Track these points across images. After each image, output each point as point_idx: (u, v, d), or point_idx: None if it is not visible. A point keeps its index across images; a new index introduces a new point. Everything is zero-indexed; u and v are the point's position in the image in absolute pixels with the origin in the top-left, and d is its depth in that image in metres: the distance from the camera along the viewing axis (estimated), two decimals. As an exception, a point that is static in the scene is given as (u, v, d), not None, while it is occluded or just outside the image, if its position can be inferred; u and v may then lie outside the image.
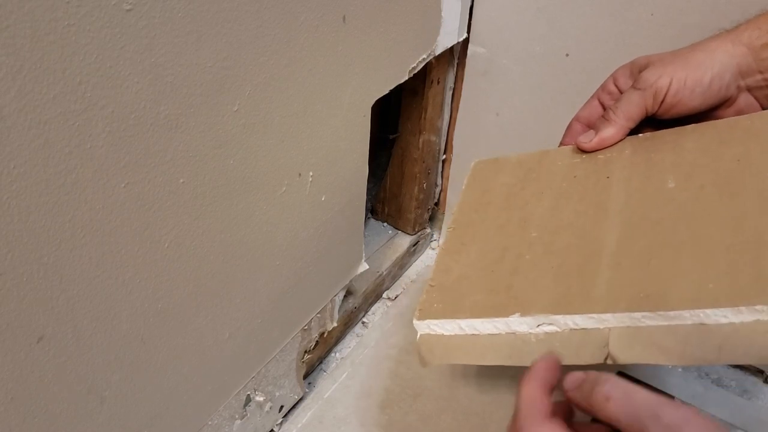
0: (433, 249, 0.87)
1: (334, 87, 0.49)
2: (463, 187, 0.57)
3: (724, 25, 0.45)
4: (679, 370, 0.68)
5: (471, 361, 0.44)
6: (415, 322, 0.46)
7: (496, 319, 0.43)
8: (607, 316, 0.39)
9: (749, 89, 0.46)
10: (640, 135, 0.50)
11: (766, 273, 0.36)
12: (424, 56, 0.61)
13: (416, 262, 0.85)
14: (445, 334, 0.45)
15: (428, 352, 0.45)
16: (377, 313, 0.76)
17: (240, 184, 0.43)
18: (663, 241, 0.41)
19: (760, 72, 0.45)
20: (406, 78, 0.59)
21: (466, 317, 0.44)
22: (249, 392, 0.55)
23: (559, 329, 0.41)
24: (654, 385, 0.64)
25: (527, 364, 0.41)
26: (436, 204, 0.84)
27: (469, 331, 0.44)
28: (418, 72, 0.61)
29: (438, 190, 0.83)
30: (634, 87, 0.47)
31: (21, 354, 0.32)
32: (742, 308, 0.35)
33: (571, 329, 0.41)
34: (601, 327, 0.39)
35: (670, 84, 0.45)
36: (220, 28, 0.36)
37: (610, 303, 0.39)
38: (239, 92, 0.39)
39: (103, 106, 0.31)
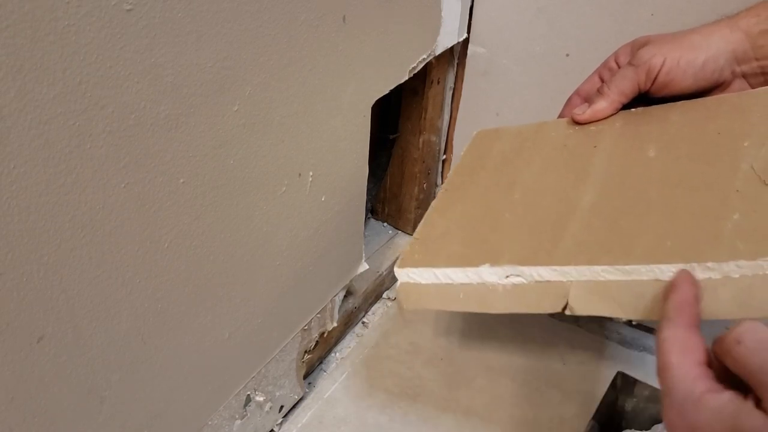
0: (433, 249, 0.87)
1: (334, 87, 0.49)
2: (462, 153, 0.59)
3: (724, 25, 0.45)
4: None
5: (442, 307, 0.47)
6: (395, 269, 0.48)
7: (469, 268, 0.44)
8: (569, 268, 0.40)
9: (744, 76, 0.46)
10: (633, 110, 0.51)
11: (721, 233, 0.37)
12: (424, 56, 0.61)
13: (416, 262, 0.85)
14: (422, 282, 0.47)
15: (405, 299, 0.48)
16: (377, 313, 0.76)
17: (240, 184, 0.43)
18: (633, 203, 0.43)
19: (756, 59, 0.45)
20: (406, 78, 0.59)
21: (442, 266, 0.46)
22: (249, 392, 0.55)
23: (525, 281, 0.43)
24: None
25: (493, 311, 0.44)
26: (436, 204, 0.84)
27: (443, 280, 0.46)
28: (418, 72, 0.61)
29: (438, 190, 0.83)
30: (629, 63, 0.48)
31: (21, 354, 0.32)
32: (695, 265, 0.36)
33: (536, 281, 0.42)
34: (564, 280, 0.41)
35: (664, 62, 0.46)
36: (220, 28, 0.36)
37: (573, 256, 0.41)
38: (239, 92, 0.39)
39: (103, 106, 0.31)
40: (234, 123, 0.40)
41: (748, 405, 0.29)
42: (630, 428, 0.58)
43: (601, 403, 0.58)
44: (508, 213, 0.48)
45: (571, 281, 0.41)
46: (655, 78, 0.46)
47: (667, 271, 0.37)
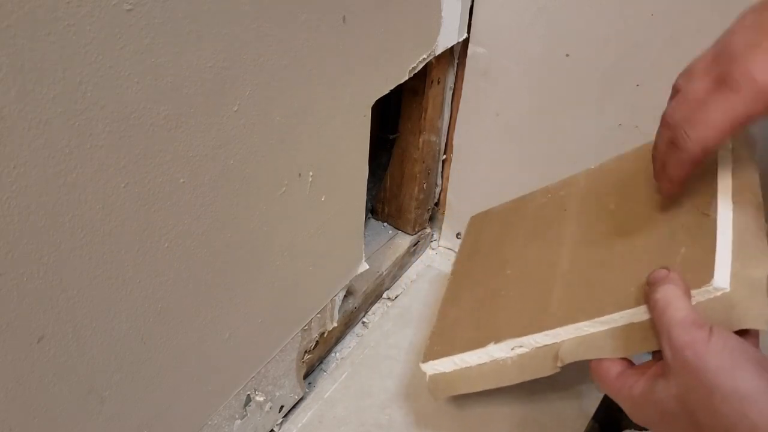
0: (433, 249, 0.87)
1: (334, 87, 0.49)
2: (461, 241, 0.67)
3: (724, 25, 0.44)
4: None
5: (467, 390, 0.51)
6: (421, 365, 0.54)
7: (478, 350, 0.50)
8: (559, 330, 0.45)
9: None
10: (592, 167, 0.57)
11: (673, 268, 0.41)
12: (424, 56, 0.61)
13: (416, 262, 0.85)
14: (446, 371, 0.52)
15: (435, 389, 0.54)
16: (377, 313, 0.76)
17: (240, 184, 0.43)
18: (602, 258, 0.48)
19: None
20: (406, 78, 0.59)
21: (457, 353, 0.51)
22: (249, 392, 0.55)
23: (527, 349, 0.48)
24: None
25: (507, 384, 0.49)
26: (436, 204, 0.84)
27: (461, 365, 0.51)
28: (418, 72, 0.61)
29: (438, 190, 0.83)
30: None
31: (21, 354, 0.32)
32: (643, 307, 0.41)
33: (536, 347, 0.47)
34: (558, 341, 0.46)
35: None
36: (220, 28, 0.36)
37: (559, 319, 0.46)
38: (239, 92, 0.39)
39: (103, 106, 0.31)
40: (234, 123, 0.40)
41: (648, 384, 0.38)
42: (630, 428, 0.58)
43: (601, 403, 0.59)
44: (503, 290, 0.54)
45: (563, 341, 0.45)
46: None
47: (635, 314, 0.41)
